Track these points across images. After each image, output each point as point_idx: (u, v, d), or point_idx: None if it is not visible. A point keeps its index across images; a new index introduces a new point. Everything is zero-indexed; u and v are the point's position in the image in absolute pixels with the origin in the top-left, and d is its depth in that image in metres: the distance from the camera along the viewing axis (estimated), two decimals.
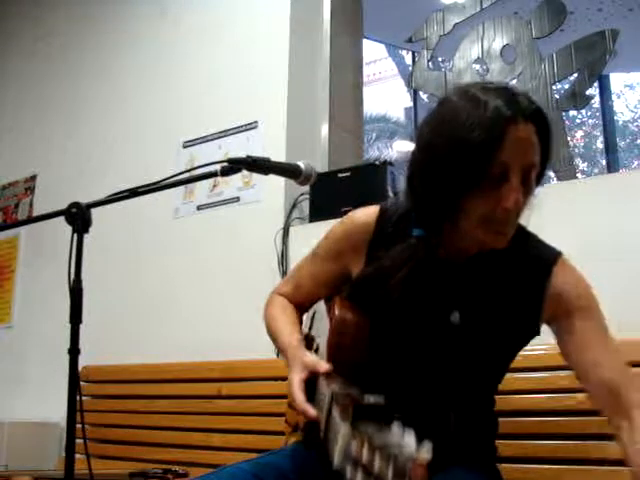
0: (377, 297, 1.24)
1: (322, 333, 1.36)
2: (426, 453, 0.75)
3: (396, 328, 1.26)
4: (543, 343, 1.83)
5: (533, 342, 1.89)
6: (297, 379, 1.16)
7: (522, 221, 1.20)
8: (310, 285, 1.40)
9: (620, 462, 1.62)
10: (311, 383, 1.15)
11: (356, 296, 1.27)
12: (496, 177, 1.08)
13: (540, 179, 1.17)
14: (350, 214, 1.35)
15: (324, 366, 1.15)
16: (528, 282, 1.23)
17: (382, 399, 0.95)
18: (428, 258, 1.20)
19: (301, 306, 1.43)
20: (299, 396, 1.13)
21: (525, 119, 1.08)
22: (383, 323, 1.25)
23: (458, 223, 1.15)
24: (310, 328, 1.44)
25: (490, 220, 1.11)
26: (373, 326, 1.24)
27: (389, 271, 1.21)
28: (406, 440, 0.77)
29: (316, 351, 1.40)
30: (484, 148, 1.05)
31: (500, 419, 1.78)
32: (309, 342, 1.42)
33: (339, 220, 1.36)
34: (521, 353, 1.89)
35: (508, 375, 1.86)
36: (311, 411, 1.10)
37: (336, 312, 1.24)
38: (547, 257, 1.25)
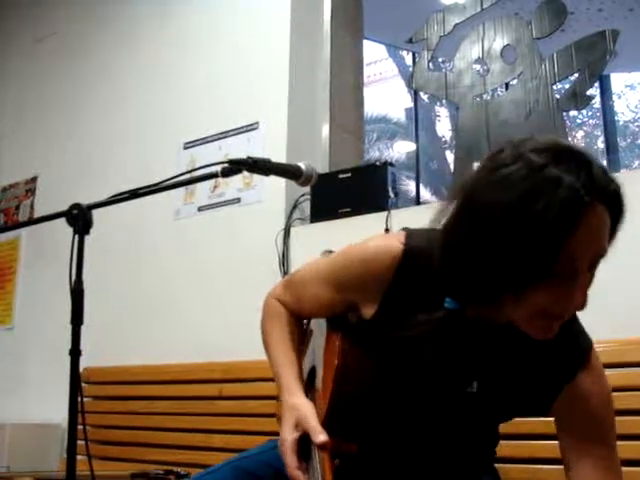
0: (393, 359, 1.14)
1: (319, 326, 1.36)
2: None
3: (406, 388, 1.17)
4: None
5: None
6: (290, 440, 1.10)
7: None
8: (312, 305, 1.27)
9: (623, 462, 1.62)
10: (305, 438, 1.11)
11: (364, 342, 1.15)
12: (563, 273, 0.90)
13: None
14: (370, 249, 1.12)
15: (320, 438, 1.07)
16: (552, 368, 1.11)
17: None
18: (457, 330, 1.07)
19: (300, 316, 1.34)
20: (292, 462, 1.08)
21: (602, 202, 0.90)
22: (392, 380, 1.16)
23: (502, 303, 0.97)
24: (308, 323, 1.44)
25: (544, 315, 0.95)
26: (380, 381, 1.15)
27: (412, 341, 1.08)
28: None
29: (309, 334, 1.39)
30: (553, 239, 0.87)
31: None
32: (307, 334, 1.42)
33: (357, 248, 1.16)
34: None
35: None
36: None
37: (337, 346, 1.16)
38: (578, 351, 1.12)
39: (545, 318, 0.96)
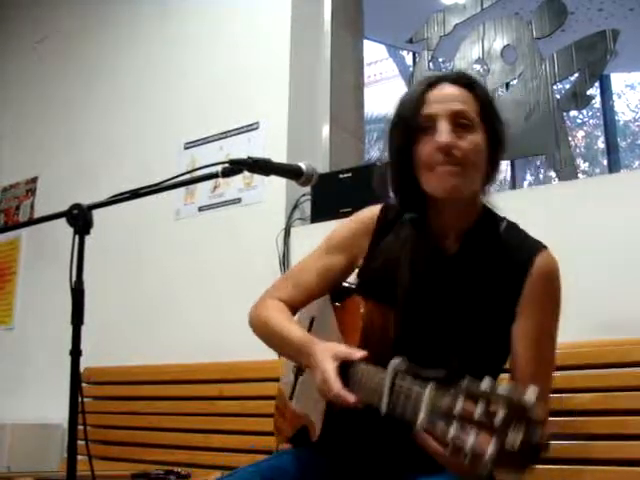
0: (385, 286, 1.31)
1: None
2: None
3: (408, 313, 1.29)
4: None
5: None
6: (332, 368, 1.17)
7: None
8: (311, 281, 1.43)
9: (621, 462, 1.62)
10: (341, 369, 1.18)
11: (366, 287, 1.35)
12: (427, 128, 1.26)
13: (498, 141, 1.32)
14: (358, 213, 1.48)
15: (359, 353, 1.17)
16: (513, 268, 1.29)
17: (442, 372, 0.96)
18: (422, 240, 1.33)
19: (295, 307, 1.45)
20: (337, 385, 1.14)
21: (450, 82, 1.30)
22: (395, 309, 1.30)
23: (422, 183, 1.28)
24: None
25: (434, 162, 1.25)
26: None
27: (390, 261, 1.32)
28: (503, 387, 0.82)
29: None
30: (412, 107, 1.28)
31: None
32: None
33: (349, 217, 1.47)
34: None
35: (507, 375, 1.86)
36: (351, 398, 1.12)
37: (361, 310, 1.27)
38: (532, 247, 1.32)
39: (436, 166, 1.25)
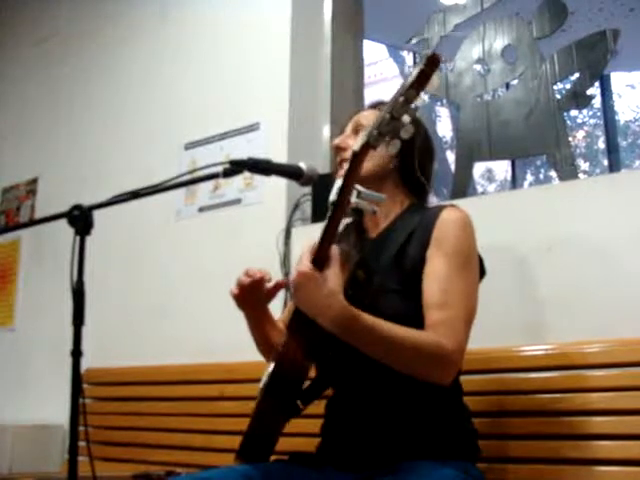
0: None
1: None
2: None
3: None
4: (544, 343, 1.83)
5: (533, 343, 1.89)
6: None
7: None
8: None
9: (624, 462, 1.62)
10: None
11: None
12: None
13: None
14: None
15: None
16: (425, 227, 1.47)
17: None
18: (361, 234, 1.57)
19: None
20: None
21: (367, 109, 1.68)
22: None
23: None
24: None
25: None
26: None
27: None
28: None
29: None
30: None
31: (503, 419, 1.78)
32: None
33: None
34: (522, 354, 1.89)
35: (511, 375, 1.86)
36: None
37: None
38: (440, 207, 1.50)
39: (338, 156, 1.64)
